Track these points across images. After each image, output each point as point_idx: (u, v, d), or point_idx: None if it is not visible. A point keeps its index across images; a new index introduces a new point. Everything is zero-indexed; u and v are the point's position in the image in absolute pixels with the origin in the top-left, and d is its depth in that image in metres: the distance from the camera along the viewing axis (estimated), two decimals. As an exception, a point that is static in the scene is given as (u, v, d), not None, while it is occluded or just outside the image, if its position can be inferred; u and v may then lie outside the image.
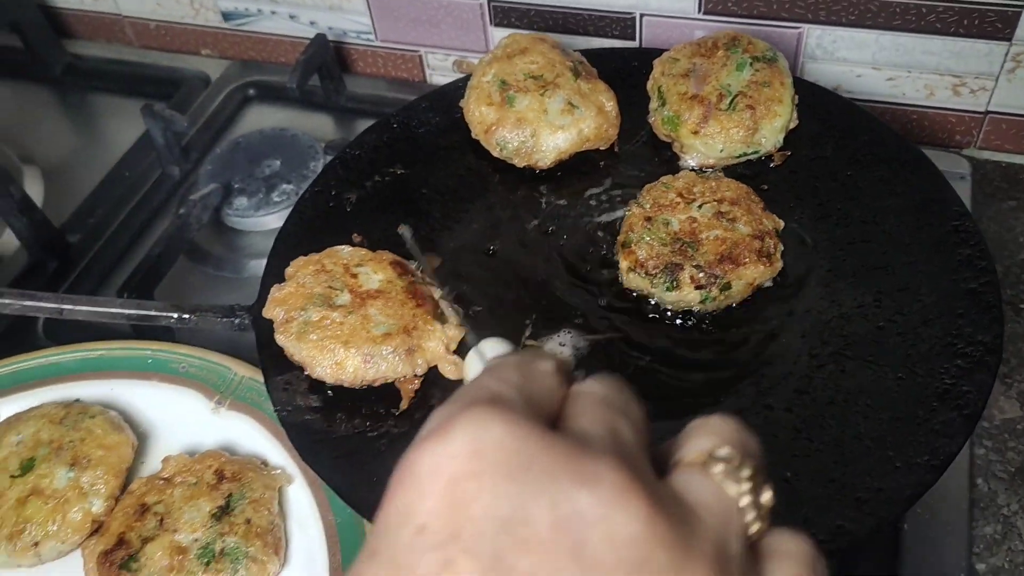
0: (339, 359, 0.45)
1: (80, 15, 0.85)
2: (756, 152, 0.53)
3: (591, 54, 0.60)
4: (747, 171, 0.54)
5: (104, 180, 0.72)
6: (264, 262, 0.52)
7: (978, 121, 0.65)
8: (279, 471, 0.47)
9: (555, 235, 0.53)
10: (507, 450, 0.18)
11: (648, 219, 0.49)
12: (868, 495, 0.39)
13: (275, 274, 0.50)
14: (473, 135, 0.56)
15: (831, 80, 0.65)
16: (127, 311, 0.51)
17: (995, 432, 0.52)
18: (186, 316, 0.51)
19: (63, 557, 0.46)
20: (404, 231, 0.43)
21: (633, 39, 0.68)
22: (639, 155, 0.57)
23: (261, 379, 0.50)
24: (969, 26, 0.59)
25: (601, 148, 0.56)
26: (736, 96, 0.53)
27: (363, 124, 0.67)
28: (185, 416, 0.51)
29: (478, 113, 0.55)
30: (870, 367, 0.44)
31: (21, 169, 0.74)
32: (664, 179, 0.51)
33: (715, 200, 0.49)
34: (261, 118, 0.76)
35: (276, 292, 0.47)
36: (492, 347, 0.30)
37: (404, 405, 0.46)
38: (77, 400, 0.51)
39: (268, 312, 0.47)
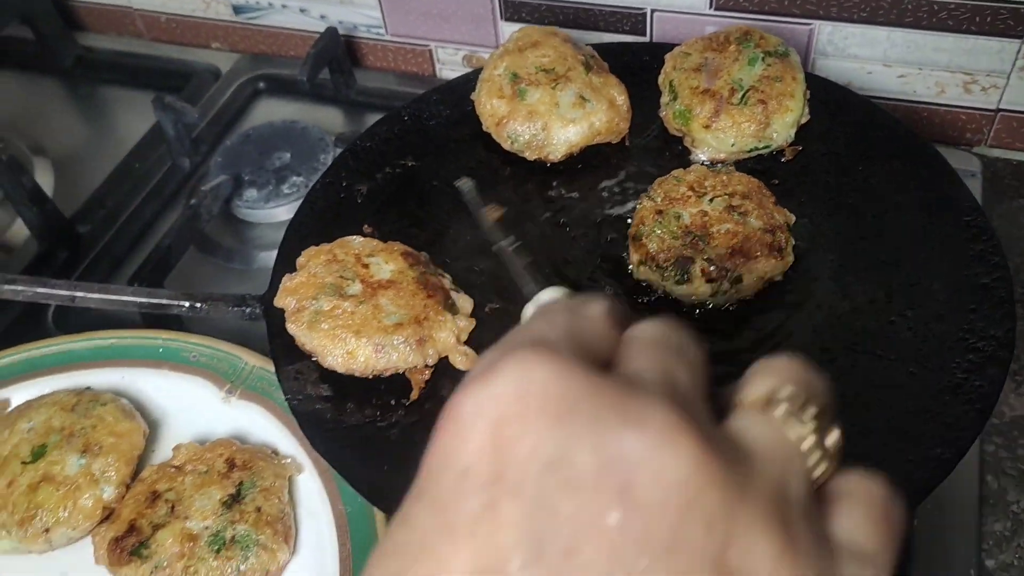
0: (350, 348, 0.45)
1: (91, 7, 0.85)
2: (767, 147, 0.53)
3: (602, 48, 0.60)
4: (758, 166, 0.54)
5: (114, 172, 0.72)
6: (273, 254, 0.52)
7: (989, 119, 0.65)
8: (289, 460, 0.47)
9: (566, 227, 0.53)
10: (551, 392, 0.17)
11: (659, 212, 0.49)
12: (879, 488, 0.39)
13: (286, 264, 0.50)
14: (484, 128, 0.57)
15: (842, 77, 0.65)
16: (139, 299, 0.51)
17: (1005, 429, 0.52)
18: (197, 305, 0.51)
19: (74, 543, 0.46)
20: (464, 183, 0.43)
21: (644, 35, 0.68)
22: (650, 149, 0.57)
23: (271, 368, 0.50)
24: (981, 23, 0.59)
25: (612, 142, 0.56)
26: (748, 91, 0.53)
27: (372, 118, 0.67)
28: (196, 405, 0.51)
29: (489, 106, 0.56)
30: (881, 361, 0.44)
31: (32, 160, 0.74)
32: (675, 173, 0.51)
33: (726, 194, 0.49)
34: (271, 111, 0.76)
35: (288, 281, 0.48)
36: (549, 295, 0.29)
37: (414, 395, 0.46)
38: (88, 388, 0.51)
39: (280, 301, 0.47)
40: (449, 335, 0.46)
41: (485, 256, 0.52)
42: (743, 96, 0.53)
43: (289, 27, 0.79)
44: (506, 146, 0.56)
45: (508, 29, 0.70)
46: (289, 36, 0.80)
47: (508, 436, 0.17)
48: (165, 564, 0.42)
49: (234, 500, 0.44)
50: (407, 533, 0.18)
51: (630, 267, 0.49)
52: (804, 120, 0.54)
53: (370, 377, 0.46)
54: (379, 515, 0.44)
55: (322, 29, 0.72)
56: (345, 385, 0.46)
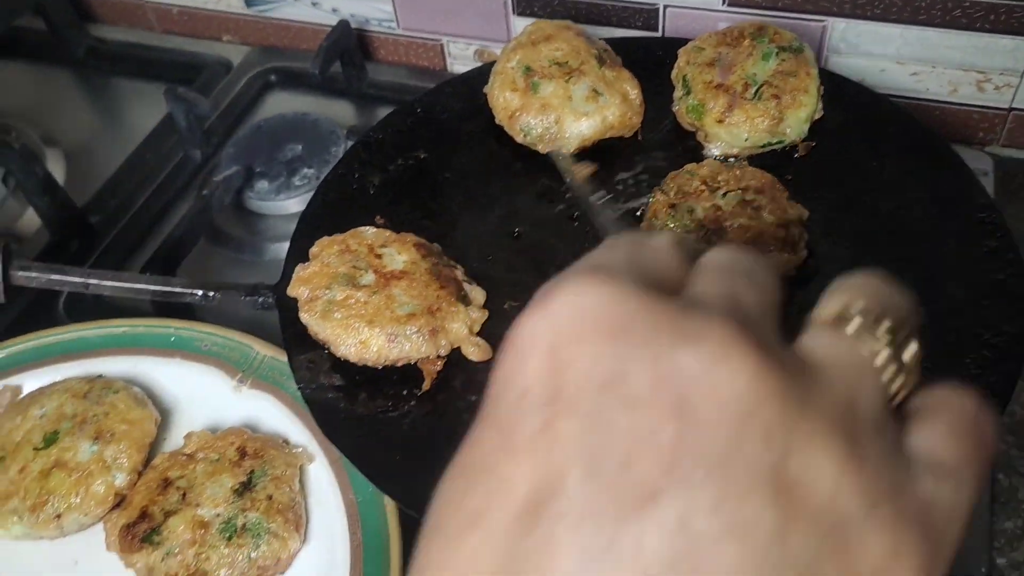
0: (363, 338, 0.45)
1: (103, -1, 0.85)
2: (781, 142, 0.53)
3: (615, 43, 0.60)
4: (771, 161, 0.54)
5: (125, 163, 0.72)
6: (284, 245, 0.52)
7: (1002, 118, 0.65)
8: (301, 449, 0.47)
9: (580, 220, 0.53)
10: (607, 313, 0.17)
11: (672, 206, 0.49)
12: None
13: (299, 254, 0.50)
14: (497, 121, 0.57)
15: (855, 74, 0.64)
16: (152, 287, 0.51)
17: (1017, 427, 0.52)
18: (210, 293, 0.51)
19: (85, 530, 0.46)
20: (554, 152, 0.45)
21: (656, 30, 0.68)
22: (662, 144, 0.57)
23: (283, 358, 0.50)
24: (995, 21, 0.59)
25: (625, 136, 0.56)
26: (762, 85, 0.53)
27: (383, 111, 0.67)
28: (207, 394, 0.51)
29: (502, 99, 0.56)
30: (894, 356, 0.44)
31: (43, 150, 0.74)
32: (688, 167, 0.51)
33: (739, 188, 0.49)
34: (282, 104, 0.76)
35: (301, 271, 0.48)
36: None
37: (426, 386, 0.46)
38: (100, 376, 0.52)
39: (293, 290, 0.47)
40: (462, 326, 0.46)
41: (497, 248, 0.53)
42: (757, 91, 0.53)
43: (301, 20, 0.79)
44: (519, 139, 0.56)
45: (520, 24, 0.70)
46: (301, 29, 0.80)
47: (564, 357, 0.17)
48: (177, 551, 0.43)
49: (245, 488, 0.45)
50: (472, 455, 0.18)
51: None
52: (818, 116, 0.54)
53: (382, 367, 0.46)
54: (390, 504, 0.44)
55: (334, 22, 0.72)
56: (357, 375, 0.46)
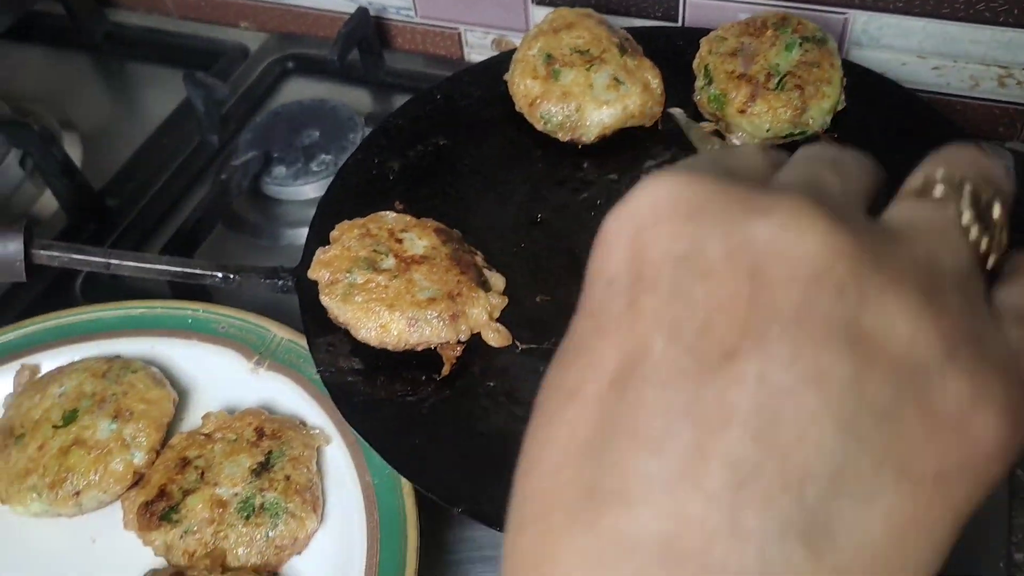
0: (384, 322, 0.45)
1: (121, -16, 0.85)
2: (803, 133, 0.53)
3: (636, 32, 0.59)
4: (793, 152, 0.53)
5: (142, 147, 0.73)
6: (300, 231, 0.52)
7: (1022, 113, 0.64)
8: (318, 431, 0.48)
9: (603, 208, 0.53)
10: (684, 197, 0.18)
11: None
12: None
13: (318, 238, 0.50)
14: (517, 108, 0.57)
15: (876, 68, 0.64)
16: (173, 268, 0.52)
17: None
18: (231, 276, 0.51)
19: (103, 507, 0.46)
20: (676, 112, 0.47)
21: (676, 20, 0.67)
22: (683, 134, 0.56)
23: (299, 341, 0.50)
24: (1020, 15, 0.59)
25: (645, 125, 0.56)
26: (784, 76, 0.52)
27: (400, 99, 0.67)
28: (224, 375, 0.51)
29: (523, 86, 0.55)
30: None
31: (61, 134, 0.75)
32: (709, 156, 0.51)
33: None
34: (299, 90, 0.76)
35: (321, 254, 0.48)
36: None
37: (445, 371, 0.46)
38: (118, 356, 0.52)
39: (313, 273, 0.47)
40: (482, 312, 0.46)
41: (519, 234, 0.53)
42: (779, 81, 0.52)
43: (318, 7, 0.79)
44: (539, 127, 0.55)
45: (539, 13, 0.70)
46: (319, 17, 0.80)
47: (645, 242, 0.18)
48: (195, 529, 0.43)
49: (263, 468, 0.45)
50: (568, 344, 0.19)
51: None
52: (840, 107, 0.54)
53: (401, 352, 0.46)
54: (406, 486, 0.44)
55: (351, 10, 0.72)
56: (377, 359, 0.46)
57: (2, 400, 0.51)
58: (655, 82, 0.55)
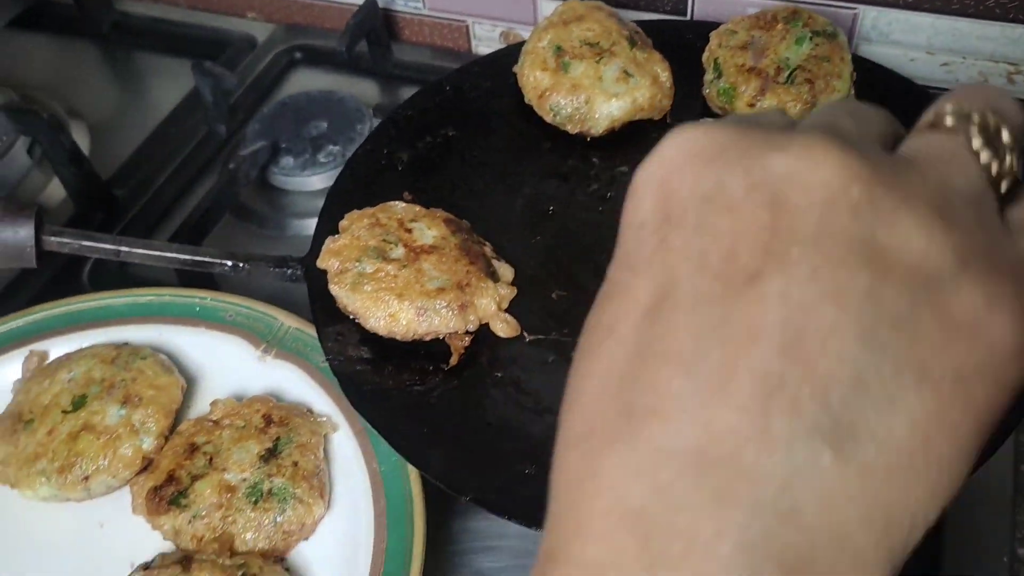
0: (393, 311, 0.45)
1: (129, -26, 0.85)
2: (811, 127, 0.53)
3: (645, 25, 0.59)
4: (801, 146, 0.53)
5: (150, 137, 0.73)
6: (307, 222, 0.52)
7: (1031, 111, 0.64)
8: (325, 419, 0.48)
9: (612, 200, 0.53)
10: (706, 143, 0.19)
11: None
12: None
13: (328, 227, 0.50)
14: (526, 100, 0.57)
15: (884, 64, 0.64)
16: (183, 256, 0.52)
17: (1040, 419, 0.51)
18: (240, 264, 0.51)
19: (112, 492, 0.46)
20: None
21: (685, 14, 0.67)
22: (691, 127, 0.56)
23: (307, 330, 0.51)
24: (1029, 13, 0.59)
25: (654, 119, 0.56)
26: (795, 70, 0.52)
27: (408, 91, 0.67)
28: (232, 363, 0.51)
29: (532, 78, 0.56)
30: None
31: (68, 123, 0.75)
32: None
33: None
34: (307, 81, 0.76)
35: (331, 243, 0.48)
36: None
37: (453, 361, 0.46)
38: (126, 343, 0.52)
39: (323, 262, 0.47)
40: (490, 302, 0.46)
41: (526, 225, 0.53)
42: (790, 75, 0.52)
43: (326, -1, 0.79)
44: (548, 119, 0.56)
45: (547, 7, 0.70)
46: (325, 8, 0.80)
47: (671, 186, 0.19)
48: (203, 513, 0.43)
49: (271, 454, 0.45)
50: (605, 289, 0.20)
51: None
52: (849, 102, 0.54)
53: (410, 341, 0.46)
54: (413, 473, 0.44)
55: (360, 1, 0.72)
56: (385, 348, 0.46)
57: (11, 386, 0.51)
58: (664, 75, 0.56)
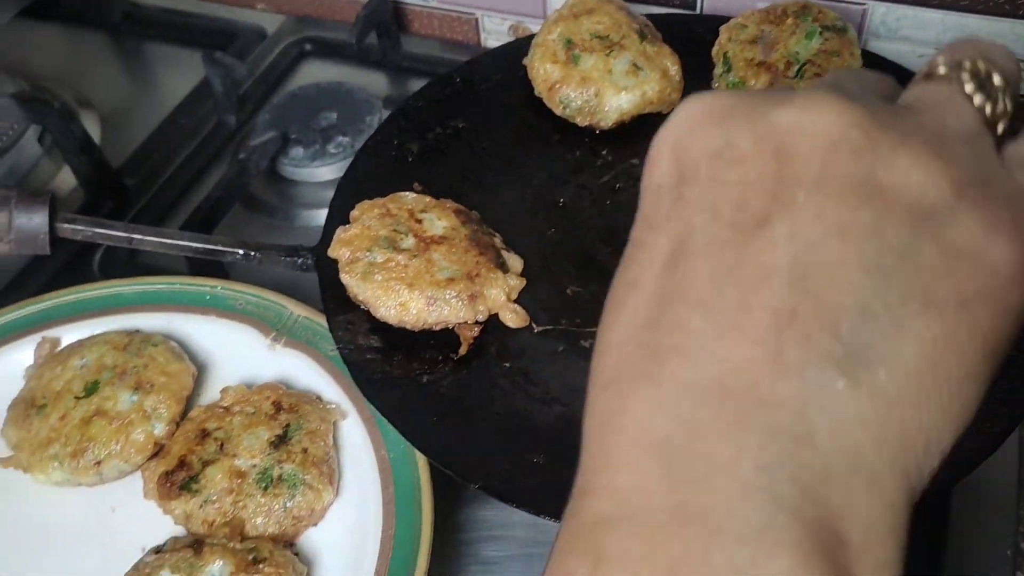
0: (403, 300, 0.45)
1: (140, -36, 0.86)
2: (820, 122, 0.53)
3: (654, 19, 0.60)
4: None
5: (160, 127, 0.73)
6: (316, 212, 0.52)
7: (1039, 108, 0.64)
8: (334, 406, 0.48)
9: (622, 192, 0.53)
10: (715, 107, 0.21)
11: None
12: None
13: (338, 217, 0.50)
14: (536, 93, 0.57)
15: (893, 59, 0.64)
16: (194, 244, 0.52)
17: (1044, 414, 0.52)
18: (251, 253, 0.52)
19: (124, 477, 0.47)
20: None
21: (694, 8, 0.67)
22: (700, 121, 0.57)
23: (317, 319, 0.51)
24: (1039, 9, 0.59)
25: (664, 112, 0.56)
26: (804, 64, 0.53)
27: (417, 83, 0.68)
28: (242, 351, 0.52)
29: (542, 70, 0.56)
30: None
31: (78, 112, 0.75)
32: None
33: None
34: (316, 73, 0.77)
35: (342, 233, 0.48)
36: None
37: (463, 351, 0.46)
38: (137, 330, 0.52)
39: (334, 252, 0.48)
40: (500, 293, 0.47)
41: (535, 217, 0.53)
42: (799, 70, 0.53)
43: (336, -9, 0.79)
44: (557, 111, 0.56)
45: (556, 0, 0.70)
46: (335, 0, 0.80)
47: (684, 148, 0.21)
48: (214, 498, 0.43)
49: (281, 441, 0.45)
50: (628, 249, 0.21)
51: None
52: (858, 97, 0.54)
53: (420, 330, 0.46)
54: (421, 460, 0.45)
55: (370, -7, 0.73)
56: (395, 338, 0.47)
57: (23, 372, 0.52)
58: (674, 69, 0.56)
